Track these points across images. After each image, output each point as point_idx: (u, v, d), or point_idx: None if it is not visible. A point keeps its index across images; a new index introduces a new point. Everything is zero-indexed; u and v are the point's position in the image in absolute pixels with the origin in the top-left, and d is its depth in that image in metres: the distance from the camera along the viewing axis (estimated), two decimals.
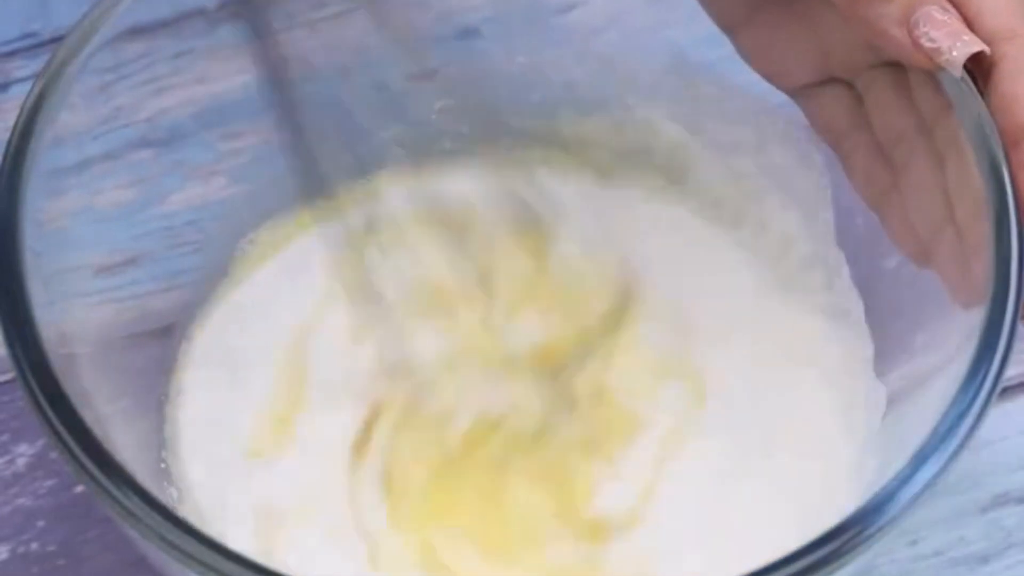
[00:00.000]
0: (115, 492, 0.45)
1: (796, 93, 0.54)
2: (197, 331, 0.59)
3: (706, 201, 0.61)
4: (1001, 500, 0.59)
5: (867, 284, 0.58)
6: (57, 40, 0.66)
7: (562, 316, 0.59)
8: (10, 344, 0.47)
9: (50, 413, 0.45)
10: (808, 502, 0.54)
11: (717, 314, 0.59)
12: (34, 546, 0.58)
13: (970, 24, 0.48)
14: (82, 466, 0.45)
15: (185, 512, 0.54)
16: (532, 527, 0.55)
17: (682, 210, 0.61)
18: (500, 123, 0.62)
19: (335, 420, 0.57)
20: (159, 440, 0.56)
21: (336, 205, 0.61)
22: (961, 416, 0.46)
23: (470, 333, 0.58)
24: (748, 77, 0.55)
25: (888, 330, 0.56)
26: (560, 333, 0.58)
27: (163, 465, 0.55)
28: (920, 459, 0.45)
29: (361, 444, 0.56)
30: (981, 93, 0.49)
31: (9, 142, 0.50)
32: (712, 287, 0.60)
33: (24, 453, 0.60)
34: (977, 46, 0.48)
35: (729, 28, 0.54)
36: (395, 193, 0.62)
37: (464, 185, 0.62)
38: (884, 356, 0.56)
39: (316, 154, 0.59)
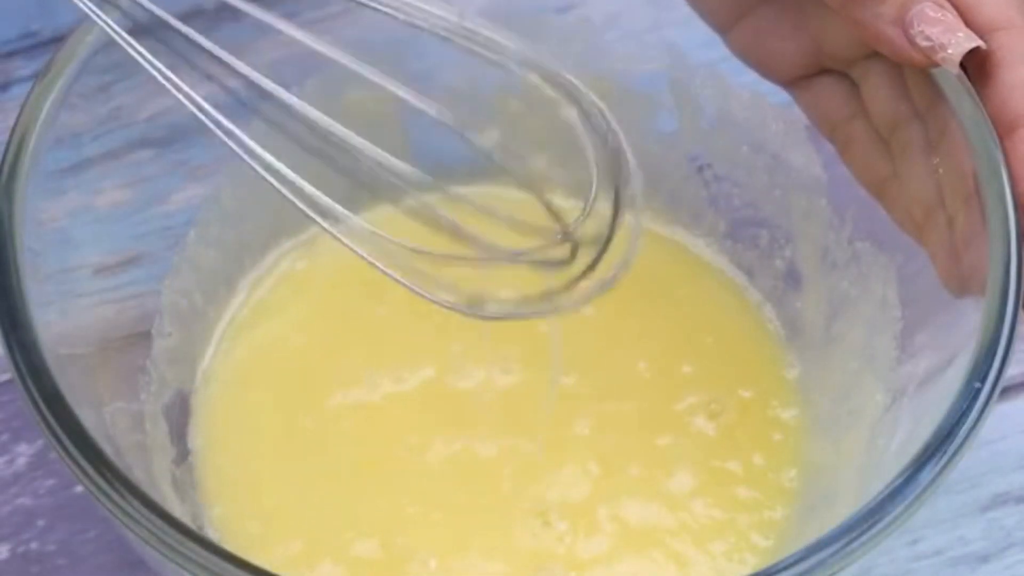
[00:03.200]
0: (111, 494, 0.45)
1: (791, 85, 0.54)
2: None
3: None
4: (1001, 500, 0.59)
5: None
6: (57, 40, 0.66)
7: None
8: (8, 344, 0.47)
9: (47, 414, 0.45)
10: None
11: None
12: (34, 546, 0.58)
13: (966, 13, 0.48)
14: (79, 467, 0.45)
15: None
16: None
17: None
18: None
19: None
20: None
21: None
22: (962, 416, 0.46)
23: None
24: (748, 77, 0.55)
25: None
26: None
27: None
28: (921, 460, 0.45)
29: None
30: (973, 83, 0.49)
31: (9, 142, 0.50)
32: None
33: (24, 453, 0.60)
34: (973, 42, 0.48)
35: (721, 29, 0.54)
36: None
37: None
38: (885, 356, 0.56)
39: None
